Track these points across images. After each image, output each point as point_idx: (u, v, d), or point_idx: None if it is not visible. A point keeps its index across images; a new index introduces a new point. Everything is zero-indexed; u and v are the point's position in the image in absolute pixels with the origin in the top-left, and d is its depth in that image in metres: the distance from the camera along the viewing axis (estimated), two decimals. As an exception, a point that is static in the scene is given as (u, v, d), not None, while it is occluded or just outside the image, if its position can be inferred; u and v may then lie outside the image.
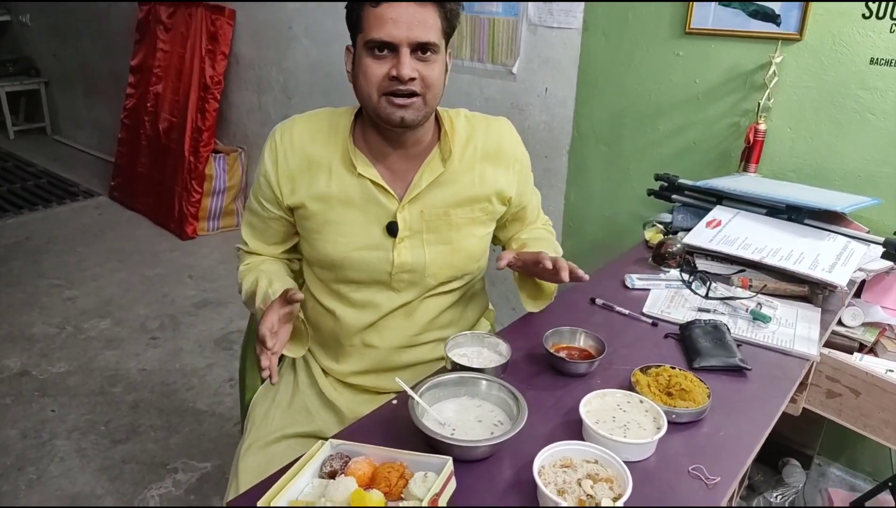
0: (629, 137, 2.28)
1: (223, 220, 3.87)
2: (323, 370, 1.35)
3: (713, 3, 1.98)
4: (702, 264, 1.60)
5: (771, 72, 1.88)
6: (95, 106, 5.04)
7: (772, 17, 1.89)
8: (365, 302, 1.27)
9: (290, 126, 1.23)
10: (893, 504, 1.75)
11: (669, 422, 1.00)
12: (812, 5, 1.81)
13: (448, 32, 1.15)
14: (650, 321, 1.37)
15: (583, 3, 2.26)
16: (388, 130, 1.17)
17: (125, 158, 4.26)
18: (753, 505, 1.92)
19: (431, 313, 1.31)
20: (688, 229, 1.71)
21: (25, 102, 5.71)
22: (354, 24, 1.13)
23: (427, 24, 1.09)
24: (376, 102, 1.11)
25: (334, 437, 0.96)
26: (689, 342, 1.27)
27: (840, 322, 1.53)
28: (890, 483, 1.68)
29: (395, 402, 1.08)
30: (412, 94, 1.10)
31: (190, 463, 2.04)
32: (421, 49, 1.10)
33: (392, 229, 1.23)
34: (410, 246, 1.24)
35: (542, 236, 1.43)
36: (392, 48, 1.09)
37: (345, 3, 1.14)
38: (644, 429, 1.00)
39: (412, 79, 1.09)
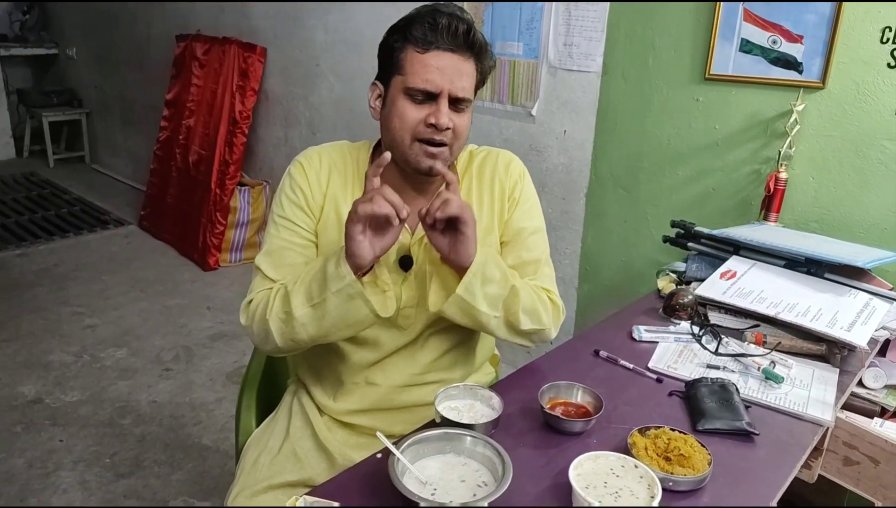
0: (647, 181, 2.23)
1: (245, 252, 3.90)
2: (319, 409, 1.31)
3: (733, 50, 1.94)
4: (714, 318, 1.54)
5: (792, 120, 1.83)
6: (132, 136, 5.19)
7: (794, 65, 1.84)
8: (369, 340, 1.24)
9: (316, 152, 1.24)
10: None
11: (666, 490, 0.95)
12: (835, 54, 1.76)
13: (479, 86, 1.17)
14: (655, 376, 1.32)
15: (602, 47, 2.24)
16: (410, 174, 1.17)
17: (156, 188, 4.35)
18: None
19: (436, 352, 1.28)
20: (701, 280, 1.66)
21: (67, 131, 5.90)
22: (394, 64, 1.12)
23: (467, 77, 1.11)
24: (408, 147, 1.12)
25: (311, 492, 0.93)
26: (694, 401, 1.21)
27: (861, 383, 1.45)
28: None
29: (378, 456, 1.04)
30: (442, 144, 1.12)
31: (190, 501, 2.01)
32: (457, 101, 1.12)
33: (406, 263, 1.21)
34: (415, 280, 1.22)
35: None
36: (432, 96, 1.10)
37: (380, 41, 1.15)
38: (637, 497, 0.94)
39: (448, 128, 1.11)
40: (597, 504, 0.90)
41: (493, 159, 1.29)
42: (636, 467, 0.99)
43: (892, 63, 1.69)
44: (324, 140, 3.78)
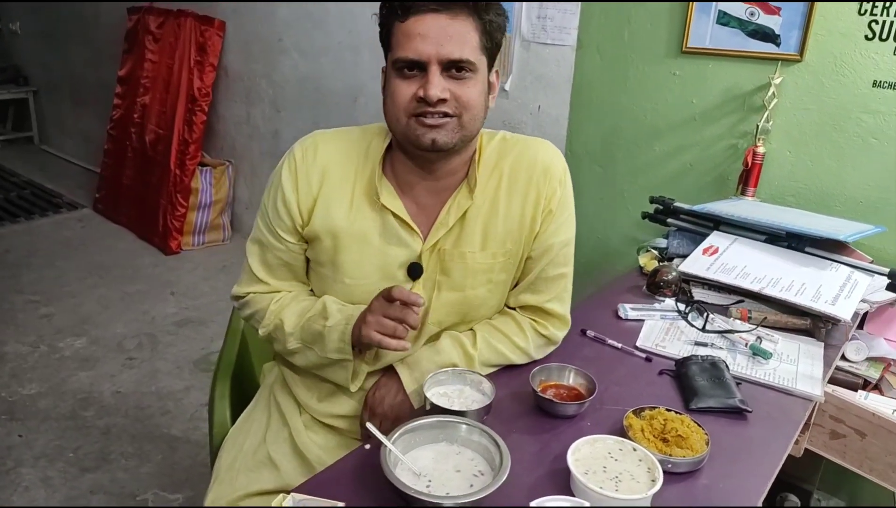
0: (623, 157, 2.21)
1: (209, 235, 3.78)
2: (298, 406, 1.23)
3: (710, 22, 1.92)
4: (698, 294, 1.53)
5: (770, 93, 1.82)
6: (83, 116, 4.96)
7: (771, 38, 1.83)
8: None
9: (314, 142, 1.11)
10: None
11: (665, 472, 0.92)
12: (813, 26, 1.75)
13: (489, 48, 1.02)
14: (644, 355, 1.29)
15: (577, 20, 2.20)
16: (419, 156, 1.06)
17: (110, 170, 4.17)
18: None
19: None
20: (683, 256, 1.64)
21: (14, 111, 5.62)
22: (385, 42, 1.04)
23: (461, 38, 0.97)
24: (405, 125, 1.01)
25: (299, 489, 0.88)
26: (685, 380, 1.19)
27: (843, 357, 1.45)
28: (894, 525, 1.60)
29: (367, 447, 0.99)
30: (445, 115, 1.00)
31: (161, 495, 1.94)
32: (455, 67, 0.99)
33: (415, 271, 1.11)
34: (422, 289, 1.12)
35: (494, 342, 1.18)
36: (421, 67, 0.98)
37: (377, 22, 1.05)
38: (638, 481, 0.91)
39: (442, 100, 0.98)
40: (598, 490, 0.87)
41: (530, 157, 1.12)
42: (634, 450, 0.97)
43: (870, 35, 1.68)
44: (289, 119, 3.67)
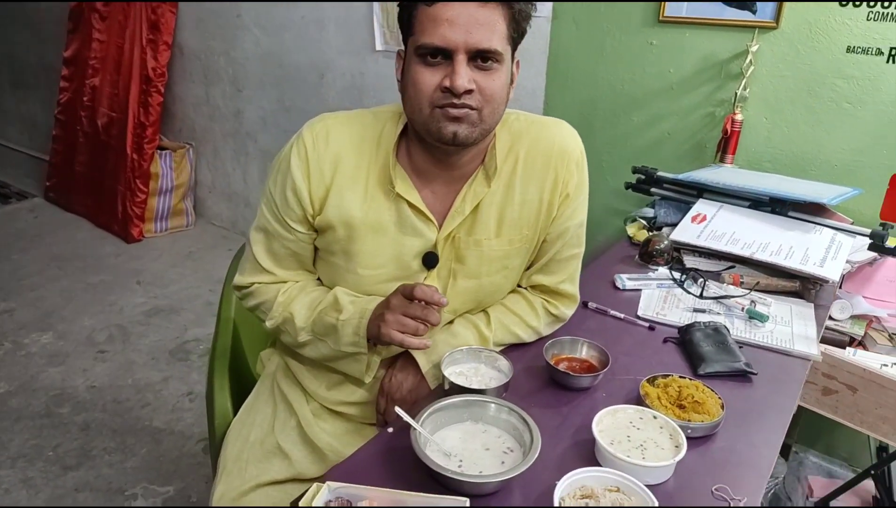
0: (601, 128, 2.22)
1: (172, 220, 3.66)
2: (305, 395, 1.20)
3: (686, -9, 1.93)
4: (689, 261, 1.56)
5: (747, 61, 1.85)
6: (25, 100, 4.71)
7: (748, 5, 1.85)
8: None
9: (325, 128, 1.05)
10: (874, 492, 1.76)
11: (686, 438, 0.94)
12: (787, -8, 1.78)
13: (515, 38, 0.98)
14: (647, 324, 1.32)
15: (551, -9, 2.19)
16: (436, 147, 1.02)
17: (61, 157, 3.99)
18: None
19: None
20: (672, 225, 1.67)
21: (-54, 97, 5.31)
22: (406, 25, 0.98)
23: (490, 27, 0.92)
24: (427, 116, 0.96)
25: (326, 477, 0.86)
26: (690, 346, 1.21)
27: (829, 316, 1.51)
28: (872, 472, 1.68)
29: (390, 431, 0.98)
30: (467, 107, 0.95)
31: (150, 488, 1.89)
32: (481, 57, 0.93)
33: (431, 260, 1.08)
34: (437, 278, 1.10)
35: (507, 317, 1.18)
36: (446, 54, 0.93)
37: (395, 3, 0.99)
38: (662, 448, 0.93)
39: (468, 92, 0.93)
40: (627, 459, 0.89)
41: (546, 140, 1.08)
42: (655, 417, 0.98)
43: (844, 1, 1.72)
44: (251, 97, 3.56)
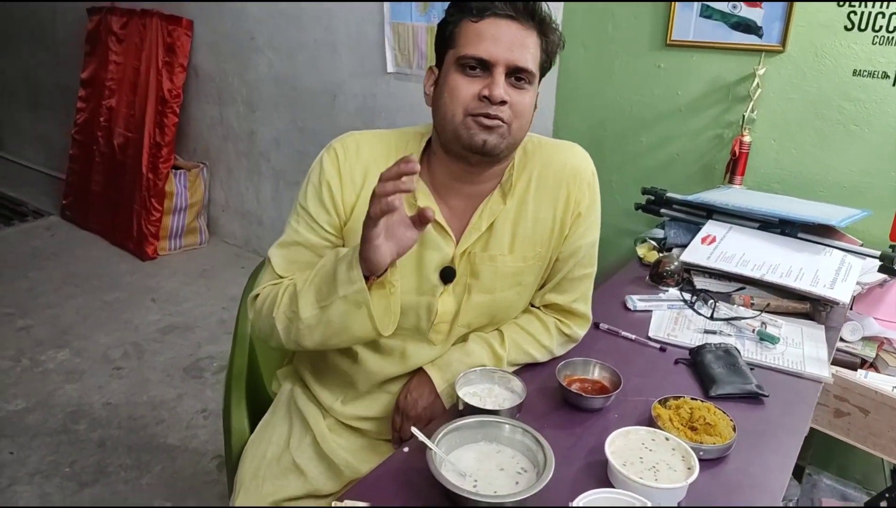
0: (610, 149, 2.25)
1: (186, 239, 3.71)
2: (321, 410, 1.22)
3: (694, 15, 1.96)
4: (699, 282, 1.57)
5: (755, 84, 1.88)
6: (42, 120, 4.80)
7: (754, 29, 1.88)
8: (395, 351, 1.15)
9: (355, 141, 1.10)
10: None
11: (698, 460, 0.96)
12: (794, 18, 1.80)
13: (544, 67, 1.06)
14: (658, 345, 1.33)
15: (561, 12, 2.22)
16: (461, 158, 1.05)
17: (77, 176, 4.05)
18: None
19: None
20: (682, 246, 1.69)
21: (-35, 116, 5.41)
22: (447, 39, 1.04)
23: (527, 49, 1.00)
24: (459, 123, 1.01)
25: (341, 496, 0.88)
26: (701, 368, 1.23)
27: (840, 338, 1.52)
28: (887, 495, 1.68)
29: (405, 451, 1.00)
30: (498, 118, 1.00)
31: (165, 505, 1.91)
32: (516, 75, 1.01)
33: (448, 274, 1.11)
34: (452, 292, 1.13)
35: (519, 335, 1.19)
36: (486, 67, 1.00)
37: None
38: (675, 470, 0.95)
39: (503, 102, 1.00)
40: (639, 480, 0.90)
41: (559, 161, 1.13)
42: (667, 439, 1.00)
43: (849, 25, 1.74)
44: (264, 118, 3.62)
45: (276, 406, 1.31)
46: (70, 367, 2.57)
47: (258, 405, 1.39)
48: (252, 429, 1.32)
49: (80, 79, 4.00)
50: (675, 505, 0.91)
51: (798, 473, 2.00)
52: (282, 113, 3.29)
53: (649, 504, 0.85)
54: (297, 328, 1.04)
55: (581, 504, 0.85)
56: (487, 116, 1.00)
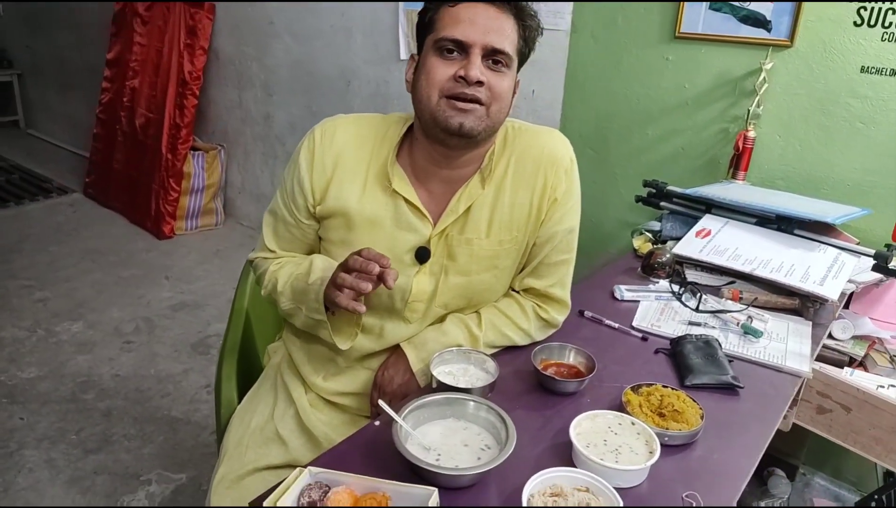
0: (616, 141, 2.24)
1: (202, 219, 3.78)
2: (304, 385, 1.27)
3: (703, 8, 1.95)
4: (691, 275, 1.57)
5: (761, 78, 1.86)
6: (70, 100, 4.92)
7: (763, 23, 1.86)
8: (373, 329, 1.18)
9: (334, 126, 1.13)
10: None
11: (662, 445, 0.97)
12: (803, 12, 1.78)
13: (522, 53, 1.06)
14: (640, 335, 1.34)
15: (571, 4, 2.22)
16: (440, 142, 1.07)
17: (100, 155, 4.15)
18: (739, 516, 1.90)
19: None
20: (677, 238, 1.69)
21: (-2, 94, 5.56)
22: (426, 25, 1.06)
23: (504, 32, 1.02)
24: (435, 105, 1.02)
25: (312, 464, 0.91)
26: (680, 357, 1.24)
27: (830, 335, 1.51)
28: (876, 496, 1.67)
29: (377, 424, 1.03)
30: (476, 100, 1.02)
31: (164, 475, 1.97)
32: (493, 58, 1.02)
33: (423, 255, 1.14)
34: (429, 273, 1.15)
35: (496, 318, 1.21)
36: (463, 49, 1.01)
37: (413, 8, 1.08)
38: (636, 453, 0.96)
39: (479, 83, 1.00)
40: (599, 462, 0.92)
41: (537, 147, 1.14)
42: (633, 424, 1.01)
43: (859, 21, 1.72)
44: (280, 102, 3.67)
45: (264, 379, 1.36)
46: (83, 339, 2.65)
47: (251, 378, 1.43)
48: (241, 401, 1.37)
49: (105, 60, 4.09)
50: (634, 485, 0.93)
51: (791, 472, 1.99)
52: (297, 98, 3.33)
53: (604, 483, 0.87)
54: (281, 311, 1.18)
55: (538, 481, 0.87)
56: (464, 96, 1.01)
